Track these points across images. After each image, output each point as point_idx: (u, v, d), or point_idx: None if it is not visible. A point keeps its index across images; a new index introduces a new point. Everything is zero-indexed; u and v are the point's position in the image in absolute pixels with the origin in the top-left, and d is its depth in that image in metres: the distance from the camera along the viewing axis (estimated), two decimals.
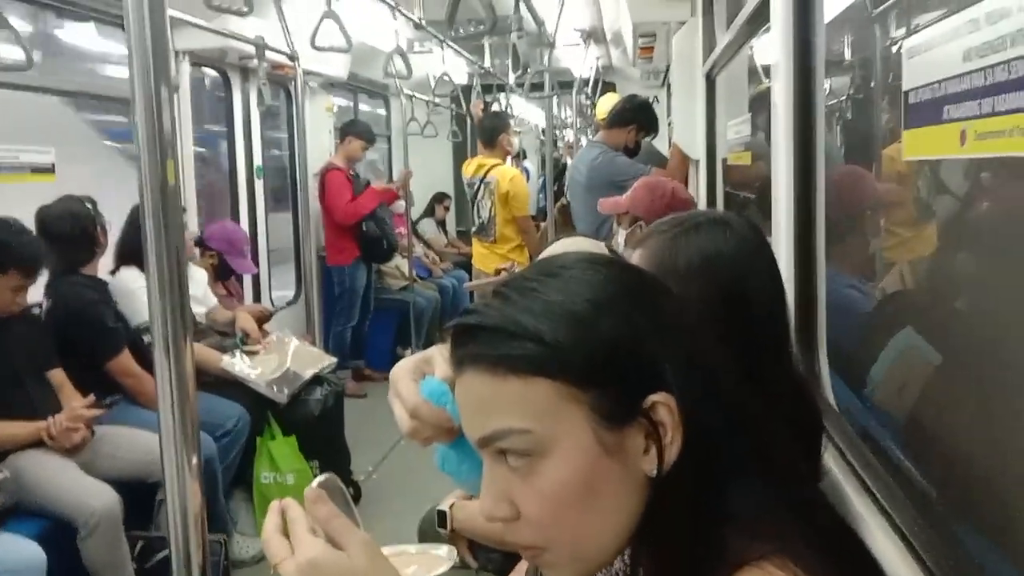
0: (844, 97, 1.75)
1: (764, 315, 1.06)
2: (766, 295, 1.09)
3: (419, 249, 7.07)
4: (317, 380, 3.69)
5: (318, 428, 3.57)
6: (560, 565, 0.74)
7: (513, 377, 0.70)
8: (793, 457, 0.77)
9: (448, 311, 7.15)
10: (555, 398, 0.69)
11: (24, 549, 2.31)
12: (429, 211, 7.99)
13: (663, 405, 0.70)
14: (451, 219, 8.43)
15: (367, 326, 5.94)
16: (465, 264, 7.62)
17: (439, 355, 0.93)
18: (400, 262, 6.36)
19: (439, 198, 8.07)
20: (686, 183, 3.69)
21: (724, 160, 3.28)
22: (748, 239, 1.12)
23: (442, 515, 1.82)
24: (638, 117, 4.13)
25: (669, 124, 5.00)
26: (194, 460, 0.82)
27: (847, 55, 1.71)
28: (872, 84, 1.55)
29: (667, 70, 6.08)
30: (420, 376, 0.93)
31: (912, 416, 1.27)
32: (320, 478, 0.80)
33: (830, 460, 1.46)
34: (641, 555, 0.75)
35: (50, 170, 3.34)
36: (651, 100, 4.49)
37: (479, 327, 0.72)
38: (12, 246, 2.67)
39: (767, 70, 2.19)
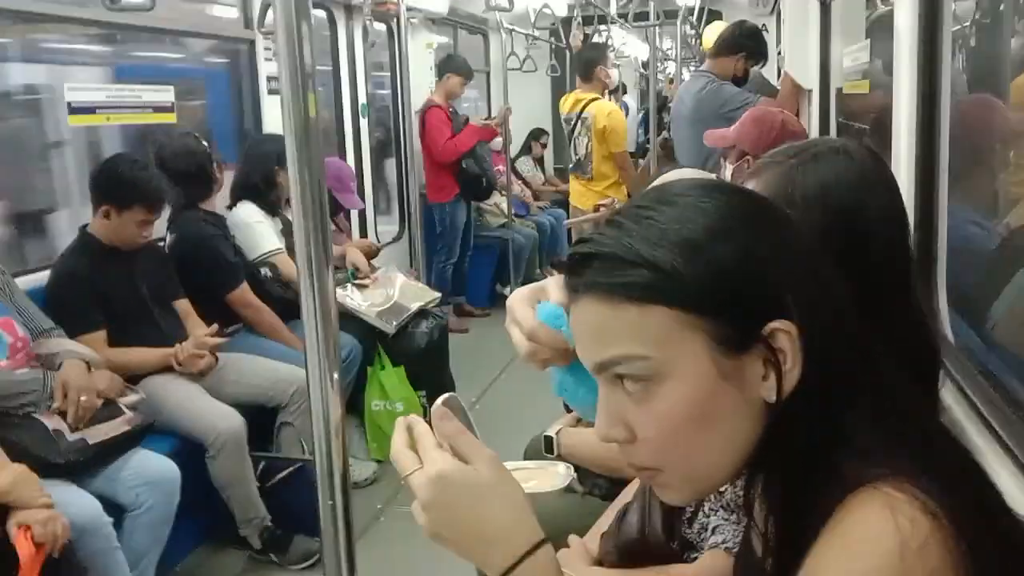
0: (970, 22, 1.67)
1: (884, 246, 1.03)
2: (887, 226, 1.06)
3: (517, 187, 7.08)
4: (423, 314, 3.79)
5: (425, 359, 3.69)
6: (674, 486, 0.76)
7: (630, 304, 0.70)
8: (911, 387, 0.76)
9: (546, 249, 7.18)
10: (673, 325, 0.69)
11: (161, 464, 2.48)
12: (526, 148, 7.96)
13: (783, 332, 0.69)
14: (548, 156, 8.38)
15: (467, 263, 6.03)
16: (562, 202, 7.59)
17: (553, 284, 0.95)
18: (499, 200, 6.39)
19: (536, 135, 8.02)
20: (797, 114, 3.56)
21: (839, 90, 3.15)
22: (869, 167, 1.09)
23: (549, 440, 1.87)
24: (747, 44, 3.97)
25: (779, 53, 4.81)
26: (335, 376, 0.87)
27: None
28: (1002, 6, 1.47)
29: None
30: (535, 303, 0.95)
31: None
32: (444, 397, 0.84)
33: (948, 396, 1.43)
34: (756, 481, 0.76)
35: (170, 109, 3.49)
36: (760, 28, 4.31)
37: (594, 255, 0.73)
38: (137, 182, 2.79)
39: None
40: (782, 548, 0.73)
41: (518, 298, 0.97)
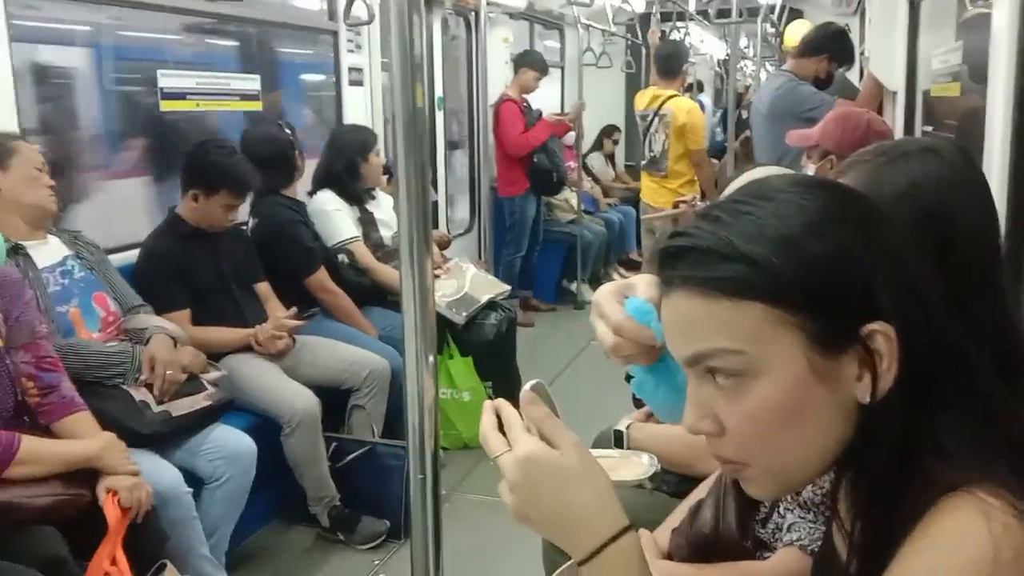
0: None
1: (973, 247, 1.01)
2: (977, 227, 1.04)
3: (587, 183, 7.07)
4: (491, 306, 3.83)
5: (492, 351, 3.72)
6: (761, 481, 0.77)
7: (725, 299, 0.70)
8: (1001, 391, 0.75)
9: (614, 246, 7.15)
10: (768, 321, 0.69)
11: (239, 440, 2.56)
12: (598, 144, 7.93)
13: (881, 334, 0.69)
14: (620, 152, 8.33)
15: (535, 258, 6.05)
16: (632, 199, 7.55)
17: (642, 281, 0.96)
18: (569, 195, 6.39)
19: (608, 131, 7.97)
20: (880, 115, 3.49)
21: (926, 92, 3.08)
22: (959, 167, 1.07)
23: (619, 435, 1.87)
24: (831, 46, 3.90)
25: (862, 54, 4.71)
26: (431, 358, 0.90)
27: None
28: None
29: None
30: (623, 298, 0.96)
31: None
32: (532, 382, 0.85)
33: None
34: (843, 480, 0.76)
35: (256, 97, 3.59)
36: (845, 30, 4.22)
37: (690, 248, 0.73)
38: (224, 167, 2.89)
39: None
40: (868, 549, 0.73)
41: (606, 292, 0.97)
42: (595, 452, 0.88)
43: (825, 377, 0.70)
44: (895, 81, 3.40)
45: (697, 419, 0.75)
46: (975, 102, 2.05)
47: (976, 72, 2.18)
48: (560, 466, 0.78)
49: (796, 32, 5.24)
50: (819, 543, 1.23)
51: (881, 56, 3.56)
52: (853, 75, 4.74)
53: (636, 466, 0.94)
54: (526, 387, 0.84)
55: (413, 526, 0.97)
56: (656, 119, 4.86)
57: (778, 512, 1.32)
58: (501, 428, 0.83)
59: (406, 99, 0.85)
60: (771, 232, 0.70)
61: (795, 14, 6.99)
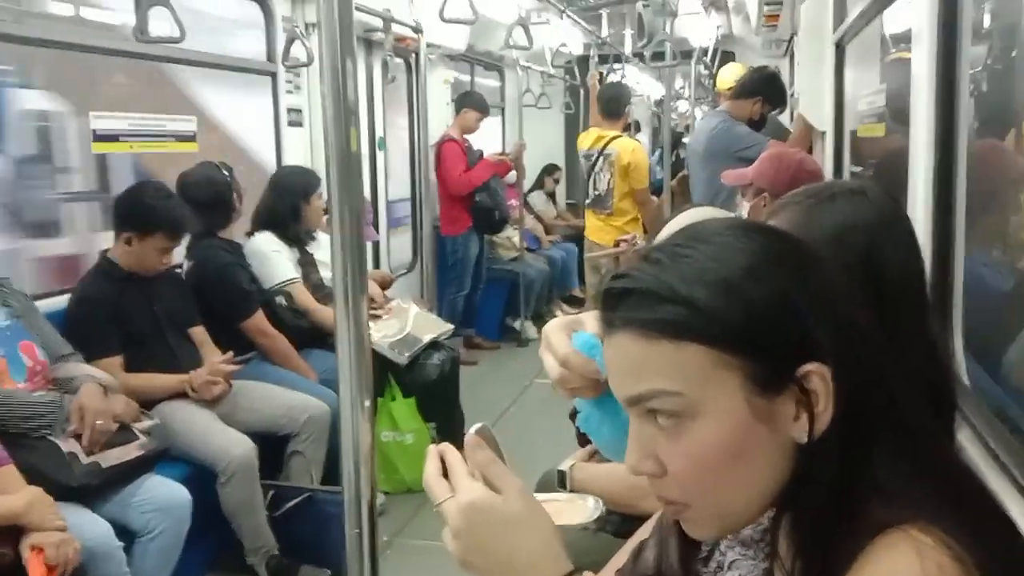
0: (982, 67, 1.69)
1: (900, 287, 1.04)
2: (904, 268, 1.07)
3: (529, 221, 7.12)
4: (434, 345, 3.80)
5: (436, 391, 3.69)
6: (702, 522, 0.77)
7: (665, 341, 0.71)
8: (934, 427, 0.77)
9: (556, 283, 7.20)
10: (707, 363, 0.70)
11: (173, 490, 2.48)
12: (539, 183, 8.02)
13: (817, 374, 0.70)
14: (561, 191, 8.43)
15: (478, 295, 6.05)
16: (574, 237, 7.62)
17: (590, 316, 0.96)
18: (511, 233, 6.43)
19: (549, 170, 8.08)
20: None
21: (853, 132, 3.18)
22: (886, 210, 1.10)
23: (562, 475, 1.87)
24: (765, 89, 4.03)
25: (791, 95, 4.87)
26: (367, 404, 0.89)
27: (990, 22, 1.64)
28: (1015, 53, 1.50)
29: (791, 39, 5.90)
30: (571, 333, 0.96)
31: None
32: (477, 426, 0.84)
33: (964, 439, 1.43)
34: (782, 519, 0.76)
35: (192, 138, 3.54)
36: (777, 73, 4.37)
37: (631, 290, 0.74)
38: (160, 210, 2.84)
39: (904, 38, 2.12)
40: None
41: (554, 326, 0.98)
42: (540, 496, 0.88)
43: (764, 417, 0.71)
44: (823, 122, 3.51)
45: (638, 460, 0.76)
46: (900, 142, 2.13)
47: (898, 113, 2.26)
48: (504, 513, 0.78)
49: (728, 74, 5.40)
50: None
51: (809, 97, 3.68)
52: (784, 117, 4.89)
53: (581, 510, 0.94)
54: (471, 431, 0.84)
55: None
56: (601, 159, 4.93)
57: (719, 550, 1.32)
58: (445, 473, 0.83)
59: (340, 142, 0.85)
60: (710, 275, 0.71)
61: (727, 57, 7.21)
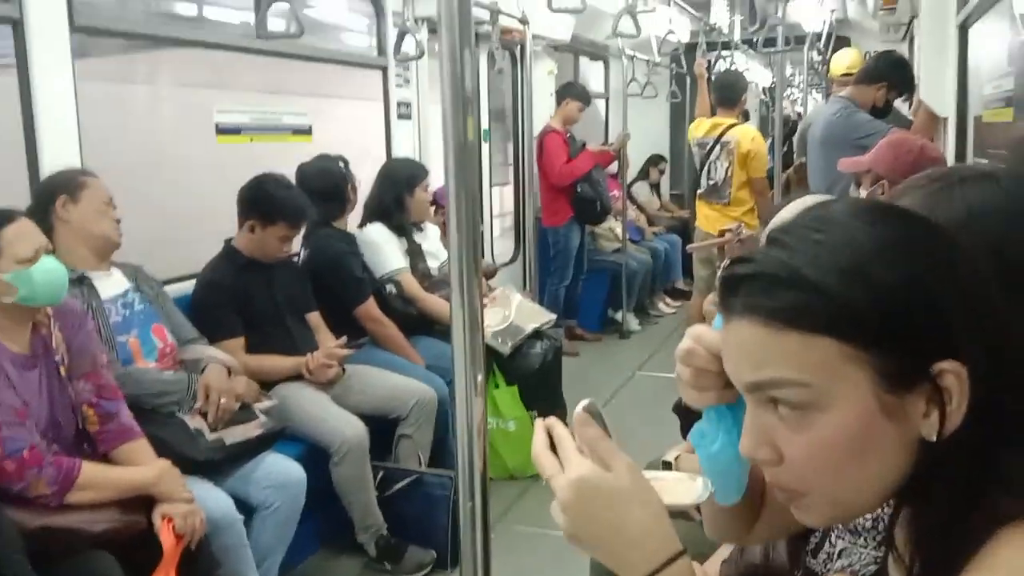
0: None
1: None
2: None
3: (632, 212, 7.07)
4: (537, 335, 3.84)
5: (538, 380, 3.73)
6: (817, 511, 0.75)
7: (793, 331, 0.68)
8: None
9: (659, 275, 7.12)
10: (837, 356, 0.67)
11: (289, 468, 2.59)
12: (643, 174, 7.95)
13: (952, 373, 0.67)
14: (665, 182, 8.33)
15: (580, 287, 6.05)
16: (678, 228, 7.52)
17: None
18: (613, 224, 6.40)
19: (654, 161, 7.99)
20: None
21: (977, 118, 3.04)
22: (1018, 195, 1.05)
23: (667, 466, 1.86)
24: (891, 74, 3.86)
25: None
26: (480, 382, 0.92)
27: None
28: None
29: (910, 22, 5.66)
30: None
31: None
32: (585, 402, 0.84)
33: None
34: (901, 512, 0.75)
35: (308, 132, 3.68)
36: (905, 59, 4.19)
37: (755, 275, 0.71)
38: (281, 200, 2.97)
39: None
40: None
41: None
42: (648, 474, 0.87)
43: (891, 413, 0.68)
44: (945, 107, 3.36)
45: (755, 446, 0.74)
46: None
47: None
48: (613, 488, 0.78)
49: (842, 60, 5.21)
50: (870, 568, 1.21)
51: (931, 83, 3.53)
52: (903, 106, 4.69)
53: (690, 489, 0.93)
54: (579, 407, 0.84)
55: (463, 553, 0.98)
56: (718, 147, 4.85)
57: (829, 541, 1.30)
58: (553, 447, 0.83)
59: (457, 132, 0.88)
60: (841, 261, 0.68)
61: (842, 42, 6.95)
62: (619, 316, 6.34)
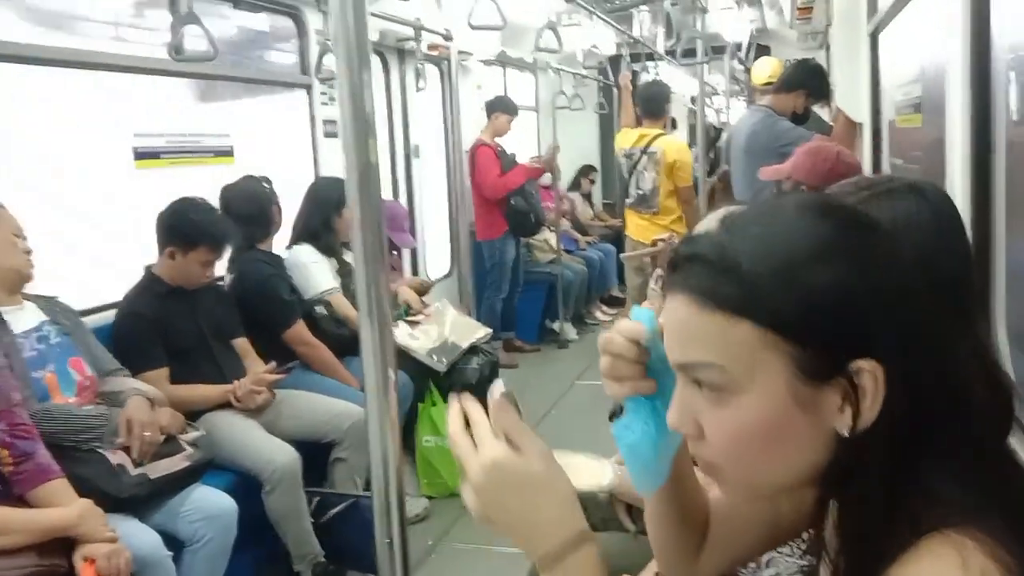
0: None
1: (952, 289, 1.00)
2: (956, 269, 1.03)
3: (565, 223, 7.11)
4: (473, 350, 3.82)
5: (476, 395, 3.65)
6: (732, 486, 0.78)
7: (719, 313, 0.70)
8: (989, 433, 0.74)
9: (596, 284, 7.18)
10: (757, 343, 0.69)
11: (219, 500, 2.52)
12: (575, 184, 8.01)
13: (869, 372, 0.68)
14: (597, 192, 8.41)
15: (516, 299, 6.05)
16: (611, 237, 7.60)
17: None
18: (548, 236, 6.43)
19: (585, 171, 8.07)
20: (854, 151, 3.54)
21: (891, 123, 3.13)
22: (942, 209, 1.07)
23: None
24: (807, 82, 3.97)
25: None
26: (393, 413, 0.90)
27: None
28: None
29: (827, 30, 5.82)
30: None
31: None
32: (501, 390, 0.85)
33: (1015, 442, 1.39)
34: (828, 511, 0.76)
35: (229, 153, 3.60)
36: (822, 66, 4.31)
37: (698, 256, 0.73)
38: (203, 224, 2.90)
39: (938, 24, 2.08)
40: None
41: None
42: (559, 456, 0.87)
43: (806, 405, 0.70)
44: (860, 113, 3.46)
45: (679, 420, 0.76)
46: (938, 133, 2.08)
47: (934, 102, 2.21)
48: (525, 473, 0.79)
49: (762, 69, 5.33)
50: None
51: (846, 89, 3.63)
52: (824, 111, 4.82)
53: (597, 473, 0.94)
54: (496, 392, 0.84)
55: None
56: (644, 157, 4.90)
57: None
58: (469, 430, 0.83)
59: (360, 155, 0.86)
60: (776, 256, 0.69)
61: (763, 51, 7.12)
62: (557, 326, 6.36)
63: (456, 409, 0.84)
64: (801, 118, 3.98)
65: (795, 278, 0.68)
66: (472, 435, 0.82)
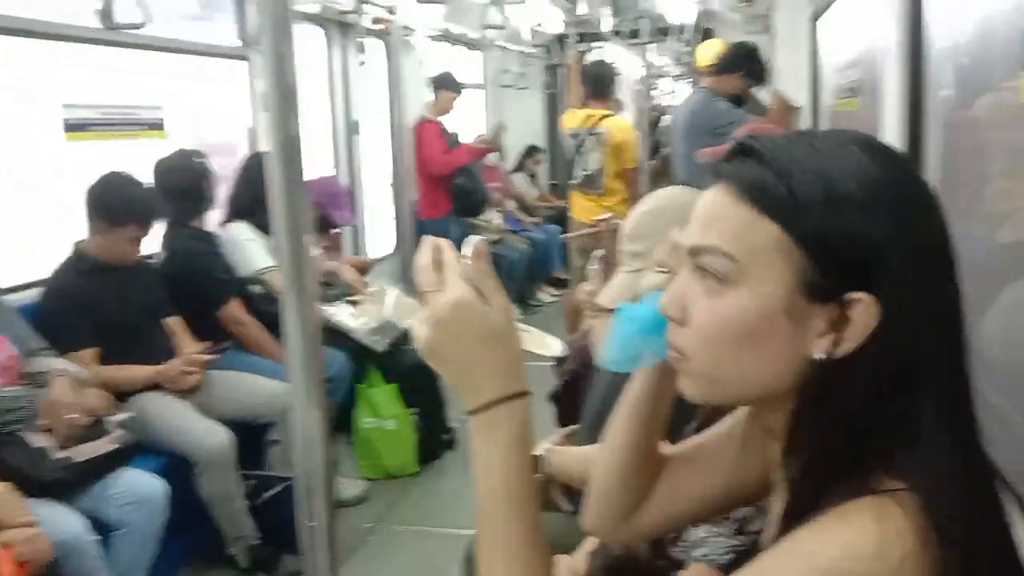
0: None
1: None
2: None
3: (511, 203, 7.08)
4: None
5: (417, 377, 3.64)
6: (695, 382, 0.79)
7: (754, 208, 0.72)
8: (968, 418, 0.74)
9: (540, 265, 7.17)
10: (775, 246, 0.71)
11: (149, 483, 2.46)
12: (520, 165, 7.97)
13: (865, 306, 0.70)
14: (543, 172, 8.39)
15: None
16: (557, 218, 7.59)
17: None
18: (493, 216, 6.39)
19: (531, 151, 8.03)
20: None
21: (831, 107, 3.17)
22: None
23: (538, 459, 1.86)
24: (745, 64, 4.00)
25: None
26: (319, 394, 0.87)
27: None
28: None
29: (769, 14, 5.87)
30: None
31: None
32: (477, 240, 0.83)
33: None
34: (786, 464, 0.77)
35: (160, 126, 3.49)
36: (757, 48, 4.34)
37: (754, 152, 0.74)
38: (131, 199, 2.81)
39: (874, 9, 2.10)
40: (789, 522, 0.73)
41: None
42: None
43: (795, 317, 0.71)
44: (800, 97, 3.50)
45: (670, 302, 0.78)
46: (873, 117, 2.11)
47: (870, 87, 2.24)
48: (487, 319, 0.80)
49: (707, 51, 5.36)
50: (726, 557, 1.23)
51: (786, 72, 3.67)
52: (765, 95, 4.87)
53: (547, 345, 0.95)
54: (475, 241, 0.83)
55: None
56: (590, 138, 4.88)
57: (688, 529, 1.31)
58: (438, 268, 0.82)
59: (281, 129, 0.82)
60: (826, 179, 0.71)
61: (710, 34, 7.16)
62: None
63: (429, 245, 0.83)
64: (741, 100, 4.01)
65: (838, 204, 0.70)
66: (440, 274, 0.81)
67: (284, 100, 0.82)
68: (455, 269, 0.81)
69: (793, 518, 0.72)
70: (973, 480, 0.72)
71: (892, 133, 1.81)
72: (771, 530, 0.80)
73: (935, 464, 0.69)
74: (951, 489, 0.68)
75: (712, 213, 0.75)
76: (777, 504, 0.80)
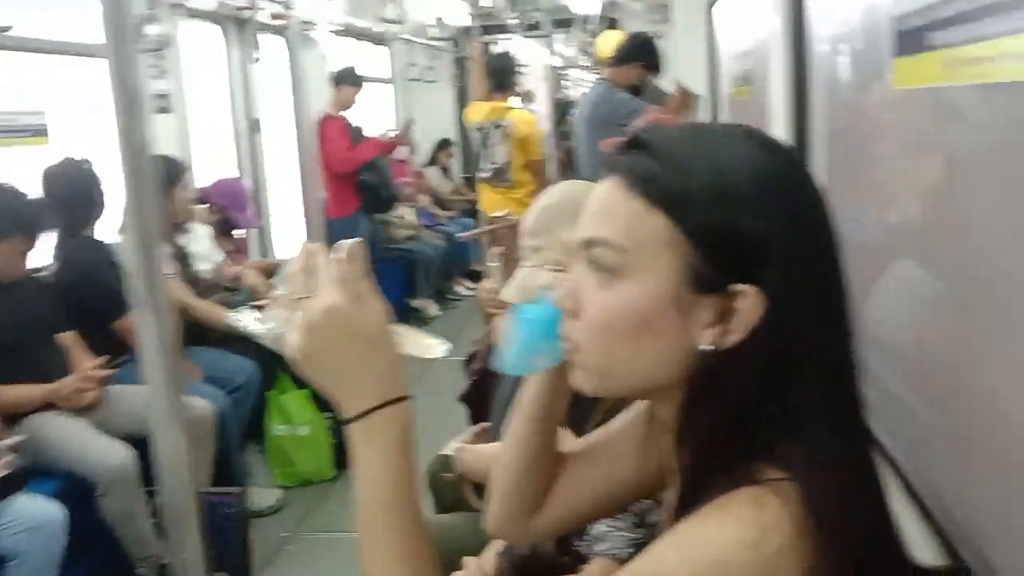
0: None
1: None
2: None
3: (424, 198, 7.02)
4: None
5: None
6: (586, 372, 0.79)
7: (643, 200, 0.72)
8: (853, 411, 0.75)
9: (456, 259, 7.13)
10: (663, 238, 0.71)
11: (43, 508, 2.35)
12: (433, 159, 7.91)
13: (750, 299, 0.70)
14: (456, 166, 8.34)
15: (374, 277, 5.91)
16: (472, 211, 7.57)
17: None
18: (405, 211, 6.32)
19: (443, 145, 7.98)
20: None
21: (730, 95, 3.22)
22: None
23: (448, 459, 1.85)
24: (641, 55, 4.05)
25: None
26: (178, 407, 0.82)
27: None
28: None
29: (670, 3, 5.95)
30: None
31: (906, 347, 1.27)
32: (352, 243, 0.81)
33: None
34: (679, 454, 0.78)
35: (44, 133, 3.33)
36: (652, 38, 4.39)
37: (646, 146, 0.74)
38: (13, 211, 2.69)
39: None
40: (679, 512, 0.73)
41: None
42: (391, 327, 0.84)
43: (682, 308, 0.72)
44: (699, 85, 3.55)
45: (565, 295, 0.78)
46: (763, 105, 2.15)
47: (759, 75, 2.28)
48: (362, 324, 0.78)
49: (606, 42, 5.40)
50: (627, 551, 1.24)
51: (685, 61, 3.72)
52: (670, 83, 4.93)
53: (424, 347, 0.93)
54: (348, 244, 0.81)
55: None
56: (496, 131, 4.86)
57: (591, 524, 1.32)
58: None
59: (129, 136, 0.78)
60: (718, 172, 0.71)
61: (614, 24, 7.21)
62: (418, 304, 6.29)
63: (304, 251, 0.82)
64: (640, 89, 4.06)
65: (726, 197, 0.71)
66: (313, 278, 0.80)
67: (129, 106, 0.78)
68: (330, 274, 0.79)
69: (683, 509, 0.72)
70: (854, 469, 0.73)
71: (778, 121, 1.84)
72: (666, 522, 0.80)
73: (815, 454, 0.70)
74: (830, 478, 0.69)
75: (604, 206, 0.75)
76: (672, 496, 0.80)
